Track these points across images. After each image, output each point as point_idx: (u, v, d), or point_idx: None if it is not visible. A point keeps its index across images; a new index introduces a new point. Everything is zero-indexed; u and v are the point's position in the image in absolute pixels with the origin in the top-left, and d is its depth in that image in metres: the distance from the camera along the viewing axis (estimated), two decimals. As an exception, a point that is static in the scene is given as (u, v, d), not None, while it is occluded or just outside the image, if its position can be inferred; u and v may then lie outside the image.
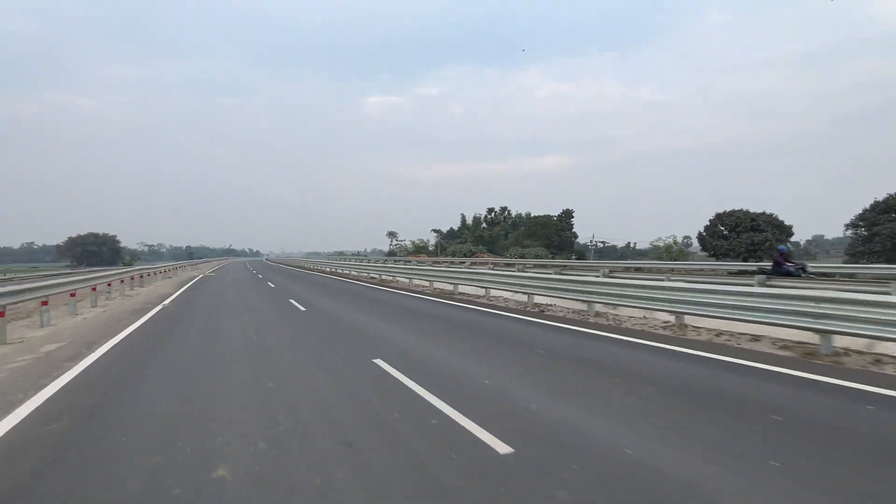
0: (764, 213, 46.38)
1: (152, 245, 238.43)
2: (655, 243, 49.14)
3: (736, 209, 47.65)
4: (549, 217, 77.96)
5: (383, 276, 22.93)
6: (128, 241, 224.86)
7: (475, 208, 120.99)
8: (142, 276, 19.68)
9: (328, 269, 37.30)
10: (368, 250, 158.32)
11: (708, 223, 48.72)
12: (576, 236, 76.55)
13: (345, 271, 32.56)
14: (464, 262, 43.97)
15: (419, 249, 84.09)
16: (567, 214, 77.64)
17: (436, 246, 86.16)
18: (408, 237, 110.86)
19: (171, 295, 15.66)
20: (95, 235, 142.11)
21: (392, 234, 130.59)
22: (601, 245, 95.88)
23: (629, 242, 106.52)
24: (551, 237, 75.38)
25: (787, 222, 45.94)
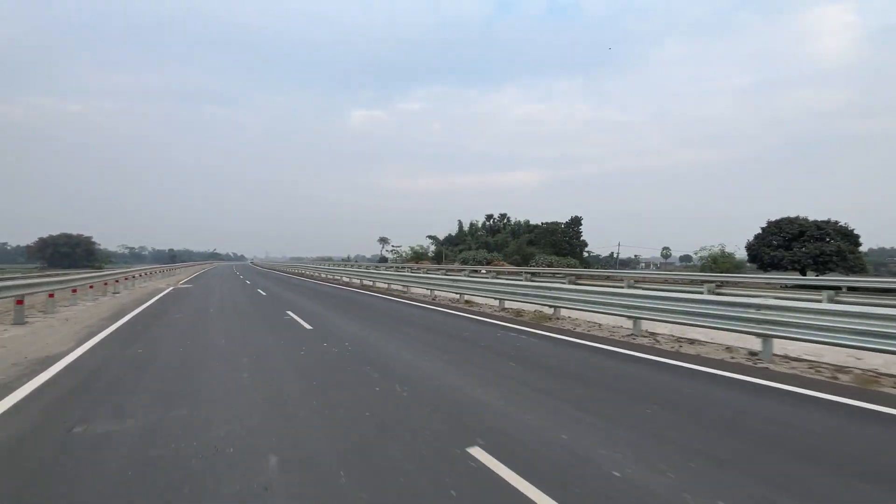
0: (829, 221, 38.53)
1: (133, 248, 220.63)
2: (699, 253, 40.43)
3: (793, 216, 39.71)
4: (556, 224, 69.13)
5: (412, 288, 17.44)
6: (109, 244, 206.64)
7: (459, 216, 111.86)
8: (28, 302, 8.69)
9: (344, 279, 26.90)
10: (353, 256, 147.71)
11: (760, 231, 40.52)
12: (585, 244, 67.86)
13: (346, 279, 24.15)
14: (478, 271, 34.60)
15: (419, 256, 73.91)
16: (575, 222, 69.00)
17: (437, 252, 76.03)
18: (394, 243, 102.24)
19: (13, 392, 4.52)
20: (68, 236, 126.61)
21: (384, 240, 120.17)
22: (586, 255, 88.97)
23: (612, 252, 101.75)
24: (560, 245, 66.50)
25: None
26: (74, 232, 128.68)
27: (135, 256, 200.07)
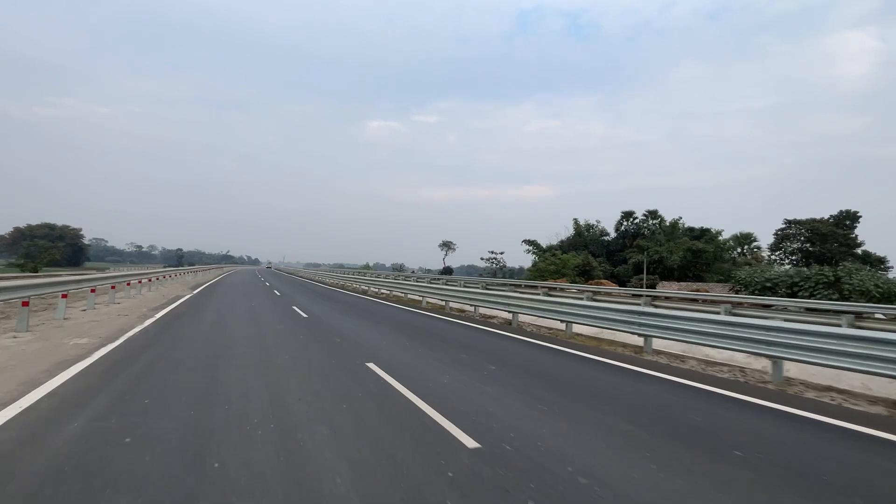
0: None
1: (141, 247, 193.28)
2: None
3: None
4: (815, 221, 39.57)
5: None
6: (118, 242, 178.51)
7: (489, 225, 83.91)
8: None
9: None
10: (372, 264, 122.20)
11: None
12: (870, 257, 38.02)
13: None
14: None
15: (553, 273, 43.86)
16: (846, 219, 39.41)
17: (583, 264, 46.49)
18: (417, 254, 71.90)
19: None
20: (50, 227, 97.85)
21: (447, 245, 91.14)
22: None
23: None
24: (832, 252, 37.33)
25: None
26: (59, 223, 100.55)
27: (142, 256, 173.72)
